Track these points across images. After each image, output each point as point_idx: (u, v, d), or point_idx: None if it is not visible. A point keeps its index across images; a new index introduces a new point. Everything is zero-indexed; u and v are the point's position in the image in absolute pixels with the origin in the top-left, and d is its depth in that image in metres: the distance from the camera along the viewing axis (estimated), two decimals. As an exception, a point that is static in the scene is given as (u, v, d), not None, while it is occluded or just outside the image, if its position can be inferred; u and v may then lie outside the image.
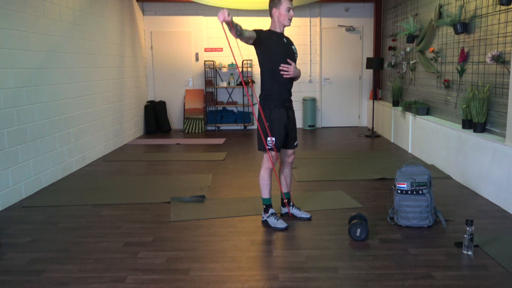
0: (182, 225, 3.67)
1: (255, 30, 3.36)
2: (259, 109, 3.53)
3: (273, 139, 3.46)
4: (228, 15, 2.97)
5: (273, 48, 3.42)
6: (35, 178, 4.76)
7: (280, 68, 3.43)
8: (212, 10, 9.00)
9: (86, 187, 4.87)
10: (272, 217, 3.58)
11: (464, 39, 5.09)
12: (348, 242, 3.24)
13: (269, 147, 3.48)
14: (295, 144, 3.68)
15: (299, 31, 9.08)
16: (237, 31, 3.11)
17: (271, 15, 3.50)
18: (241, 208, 4.05)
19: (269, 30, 3.51)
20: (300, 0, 8.06)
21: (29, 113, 4.67)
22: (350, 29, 9.09)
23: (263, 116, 3.47)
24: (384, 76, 8.79)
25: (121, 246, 3.25)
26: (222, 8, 2.97)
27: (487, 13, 4.55)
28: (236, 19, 8.96)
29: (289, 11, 3.42)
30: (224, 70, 9.24)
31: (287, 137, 3.60)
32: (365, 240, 3.25)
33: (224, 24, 3.09)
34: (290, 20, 3.47)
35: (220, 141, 7.84)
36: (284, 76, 3.45)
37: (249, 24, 8.90)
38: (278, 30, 3.50)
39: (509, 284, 2.59)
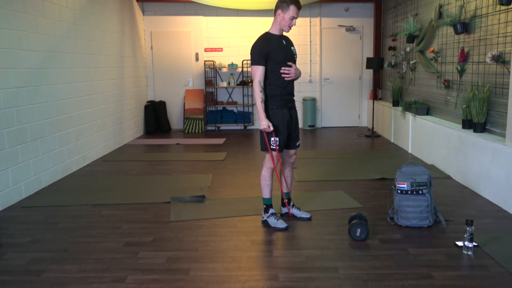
0: (182, 225, 3.67)
1: (258, 64, 3.39)
2: None
3: (277, 139, 3.47)
4: (269, 127, 3.35)
5: (274, 54, 3.40)
6: (35, 178, 4.76)
7: (281, 71, 3.43)
8: (212, 10, 8.99)
9: (86, 187, 4.87)
10: (272, 217, 3.58)
11: (464, 39, 5.09)
12: (348, 242, 3.24)
13: (272, 148, 3.48)
14: (297, 144, 3.69)
15: (299, 31, 9.07)
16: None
17: (274, 14, 3.49)
18: (241, 208, 4.05)
19: (267, 36, 3.46)
20: (301, 0, 8.05)
21: (29, 113, 4.67)
22: (350, 29, 9.09)
23: (266, 116, 3.47)
24: (384, 76, 8.79)
25: (121, 246, 3.25)
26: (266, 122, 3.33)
27: (487, 13, 4.55)
28: (236, 19, 8.96)
29: (292, 19, 3.43)
30: (224, 70, 9.23)
31: (289, 137, 3.60)
32: (365, 240, 3.25)
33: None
34: (290, 27, 3.48)
35: (220, 141, 7.84)
36: (285, 79, 3.45)
37: (249, 24, 8.90)
38: (276, 32, 3.49)
39: (509, 284, 2.59)
